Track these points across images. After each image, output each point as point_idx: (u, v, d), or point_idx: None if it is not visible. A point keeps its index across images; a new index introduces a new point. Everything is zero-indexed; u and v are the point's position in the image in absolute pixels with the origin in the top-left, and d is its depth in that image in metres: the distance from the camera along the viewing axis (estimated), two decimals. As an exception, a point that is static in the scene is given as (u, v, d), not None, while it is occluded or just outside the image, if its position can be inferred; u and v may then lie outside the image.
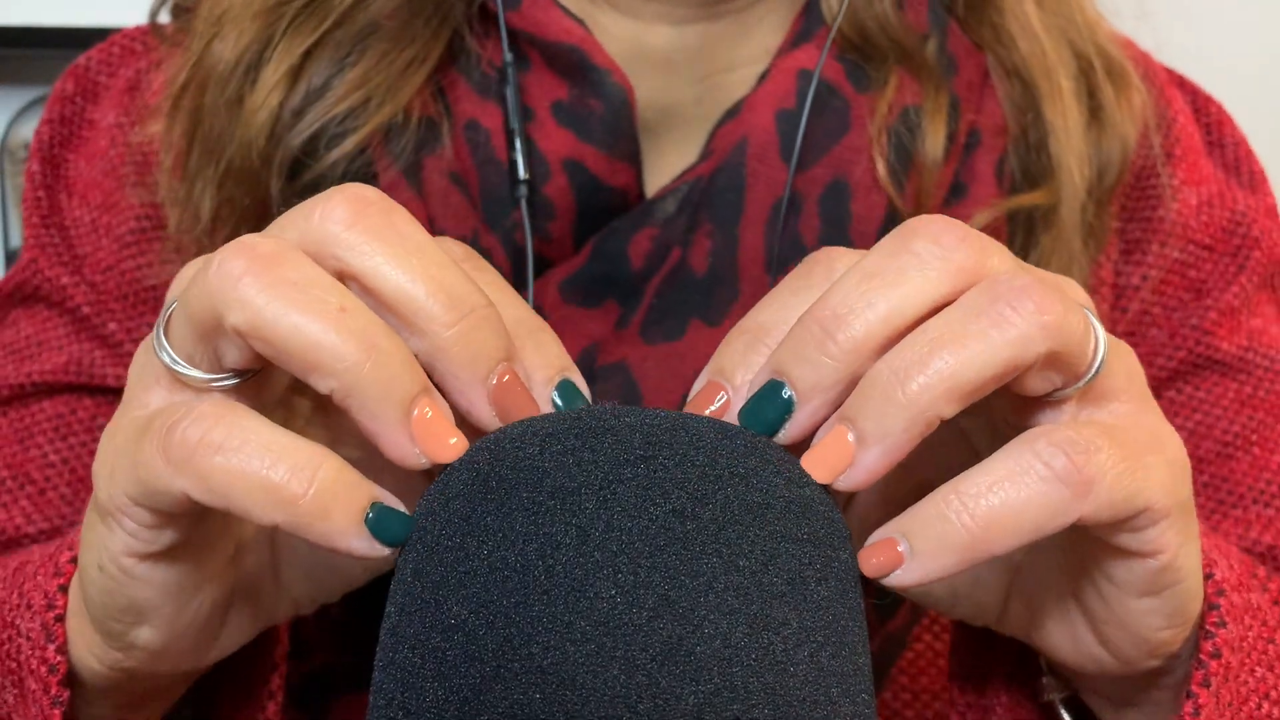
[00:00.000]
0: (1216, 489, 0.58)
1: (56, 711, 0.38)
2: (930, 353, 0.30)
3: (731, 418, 0.33)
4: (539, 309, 0.52)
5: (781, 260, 0.51)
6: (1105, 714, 0.42)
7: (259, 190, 0.51)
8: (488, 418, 0.32)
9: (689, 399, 0.34)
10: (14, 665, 0.40)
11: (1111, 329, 0.57)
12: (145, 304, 0.56)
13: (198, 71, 0.53)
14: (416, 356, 0.32)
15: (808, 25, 0.54)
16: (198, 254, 0.53)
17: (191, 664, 0.39)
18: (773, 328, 0.34)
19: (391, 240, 0.32)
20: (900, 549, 0.31)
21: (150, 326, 0.55)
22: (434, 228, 0.51)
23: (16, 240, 1.40)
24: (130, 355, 0.55)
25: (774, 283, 0.50)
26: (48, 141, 0.58)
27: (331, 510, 0.31)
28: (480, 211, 0.52)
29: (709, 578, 0.28)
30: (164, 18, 0.58)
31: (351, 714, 0.53)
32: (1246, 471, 0.58)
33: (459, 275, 0.32)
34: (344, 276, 0.32)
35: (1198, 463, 0.57)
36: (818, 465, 0.31)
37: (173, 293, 0.35)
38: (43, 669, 0.38)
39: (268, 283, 0.30)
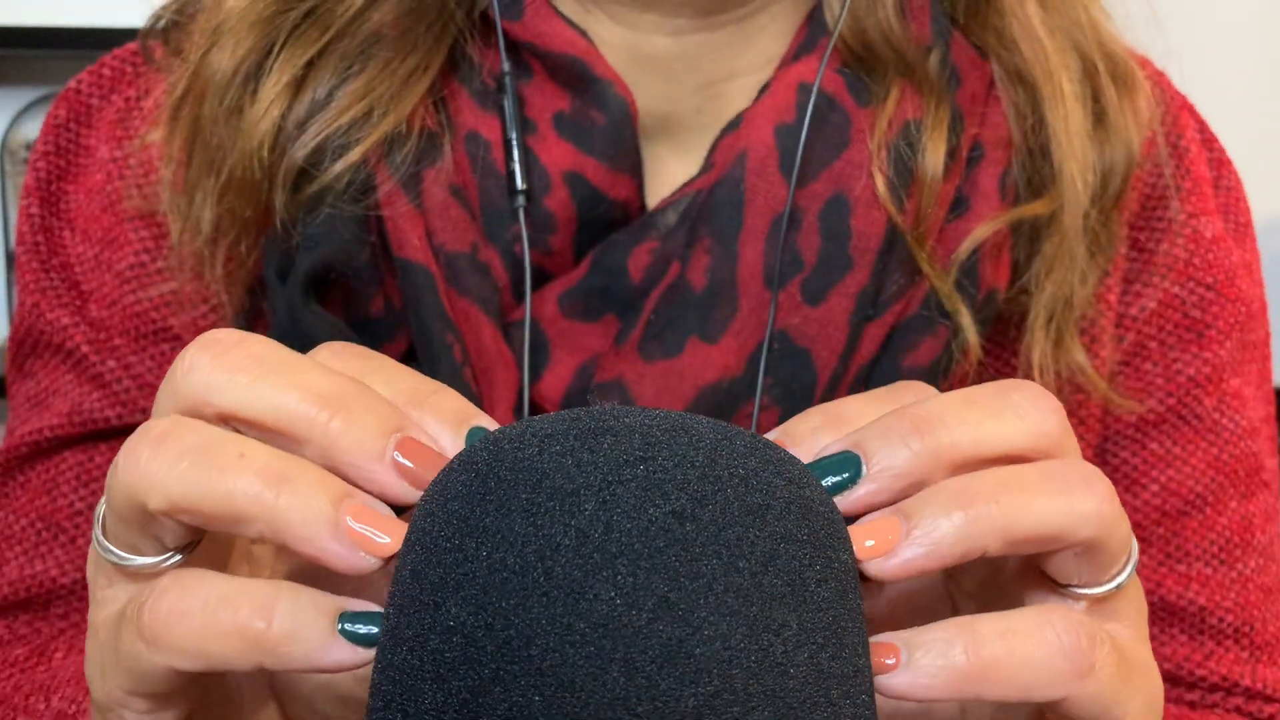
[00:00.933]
0: (1167, 542, 0.59)
1: None
2: (1001, 489, 0.31)
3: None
4: (537, 323, 0.52)
5: (781, 276, 0.51)
6: None
7: (260, 201, 0.51)
8: (401, 491, 0.32)
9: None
10: None
11: (1110, 357, 0.58)
12: (146, 338, 0.56)
13: (195, 82, 0.53)
14: (316, 461, 0.32)
15: (811, 35, 0.54)
16: (197, 268, 0.54)
17: None
18: (851, 421, 0.34)
19: (251, 369, 0.32)
20: (900, 657, 0.32)
21: (153, 359, 0.56)
22: (433, 240, 0.51)
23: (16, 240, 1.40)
24: (127, 394, 0.56)
25: (774, 299, 0.51)
26: (45, 177, 0.58)
27: (298, 633, 0.31)
28: (480, 224, 0.52)
29: (709, 579, 0.28)
30: (161, 27, 0.58)
31: None
32: (1196, 530, 0.59)
33: (321, 374, 0.32)
34: (226, 420, 0.32)
35: (1161, 516, 0.59)
36: (863, 536, 0.32)
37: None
38: None
39: (169, 459, 0.31)
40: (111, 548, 0.33)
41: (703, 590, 0.28)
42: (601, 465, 0.29)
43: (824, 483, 0.32)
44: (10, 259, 1.39)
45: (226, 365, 0.32)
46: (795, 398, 0.51)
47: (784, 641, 0.28)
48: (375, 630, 0.31)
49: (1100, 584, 0.33)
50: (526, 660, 0.28)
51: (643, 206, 0.53)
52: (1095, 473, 0.32)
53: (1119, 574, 0.33)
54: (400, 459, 0.32)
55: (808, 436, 0.34)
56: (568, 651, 0.27)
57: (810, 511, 0.31)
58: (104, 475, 0.56)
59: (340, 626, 0.31)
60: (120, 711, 0.33)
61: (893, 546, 0.31)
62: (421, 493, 0.32)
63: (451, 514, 0.30)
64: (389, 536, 0.31)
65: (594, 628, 0.28)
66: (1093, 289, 0.55)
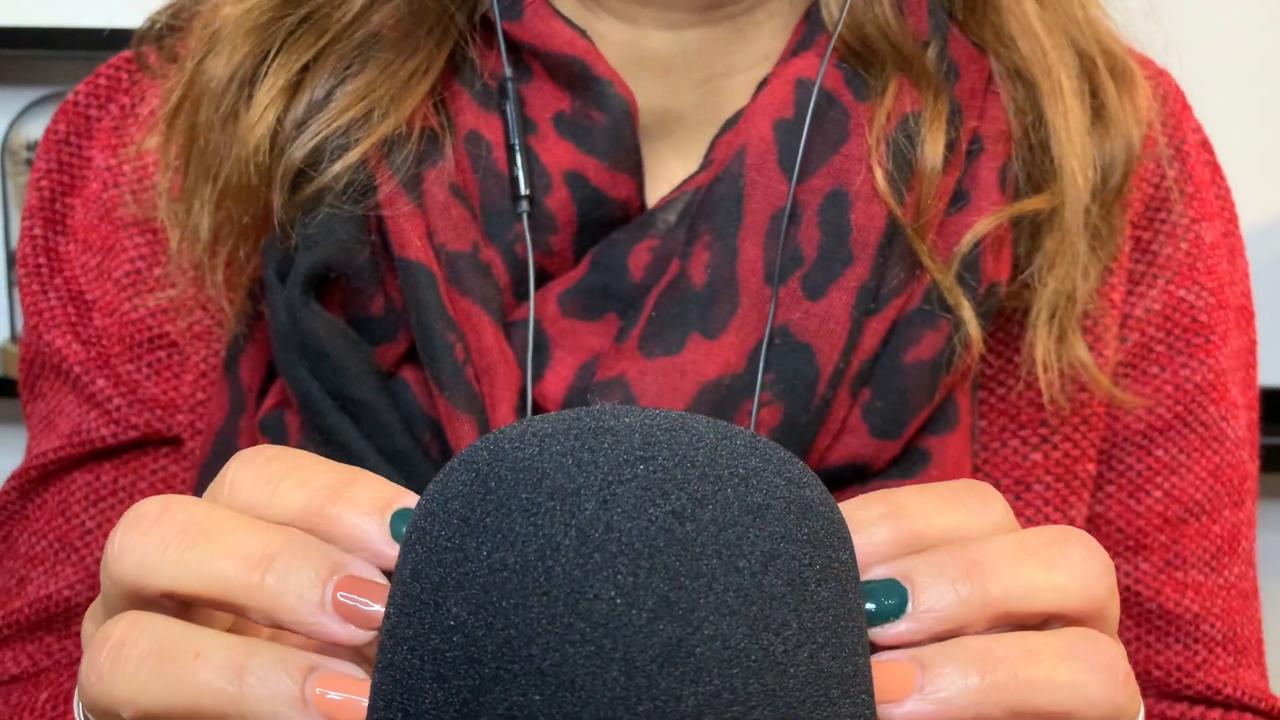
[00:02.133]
0: (1167, 549, 0.59)
1: None
2: (1025, 661, 0.31)
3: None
4: (538, 322, 0.52)
5: (782, 271, 0.51)
6: None
7: (257, 206, 0.51)
8: (348, 635, 0.32)
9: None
10: None
11: (1113, 356, 0.58)
12: (141, 346, 0.57)
13: (191, 89, 0.53)
14: (264, 626, 0.32)
15: (809, 32, 0.54)
16: (197, 276, 0.54)
17: None
18: (914, 515, 0.33)
19: (178, 542, 0.31)
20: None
21: (149, 367, 0.56)
22: (434, 240, 0.51)
23: (16, 241, 1.40)
24: (118, 411, 0.57)
25: (775, 294, 0.51)
26: (49, 195, 0.58)
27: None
28: (481, 224, 0.52)
29: (709, 579, 0.28)
30: (156, 33, 0.58)
31: None
32: (1194, 537, 0.59)
33: (247, 532, 0.32)
34: (169, 599, 0.32)
35: (1163, 523, 0.59)
36: (877, 677, 0.31)
37: None
38: None
39: (129, 670, 0.31)
40: None
41: (703, 590, 0.28)
42: (602, 465, 0.29)
43: (867, 606, 0.32)
44: (10, 259, 1.39)
45: (155, 543, 0.32)
46: (797, 393, 0.51)
47: (784, 641, 0.28)
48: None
49: None
50: (527, 660, 0.28)
51: (643, 205, 0.53)
52: (1118, 655, 0.32)
53: None
54: (345, 599, 0.31)
55: (865, 527, 0.33)
56: (568, 651, 0.27)
57: (810, 511, 0.31)
58: (109, 495, 0.58)
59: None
60: None
61: (904, 696, 0.31)
62: (370, 634, 0.31)
63: (452, 513, 0.30)
64: (360, 700, 0.31)
65: (594, 627, 0.28)
66: (1095, 285, 0.55)
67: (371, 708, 0.30)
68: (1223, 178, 0.62)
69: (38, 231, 0.58)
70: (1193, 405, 0.58)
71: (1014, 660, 0.31)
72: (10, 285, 1.45)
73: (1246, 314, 0.62)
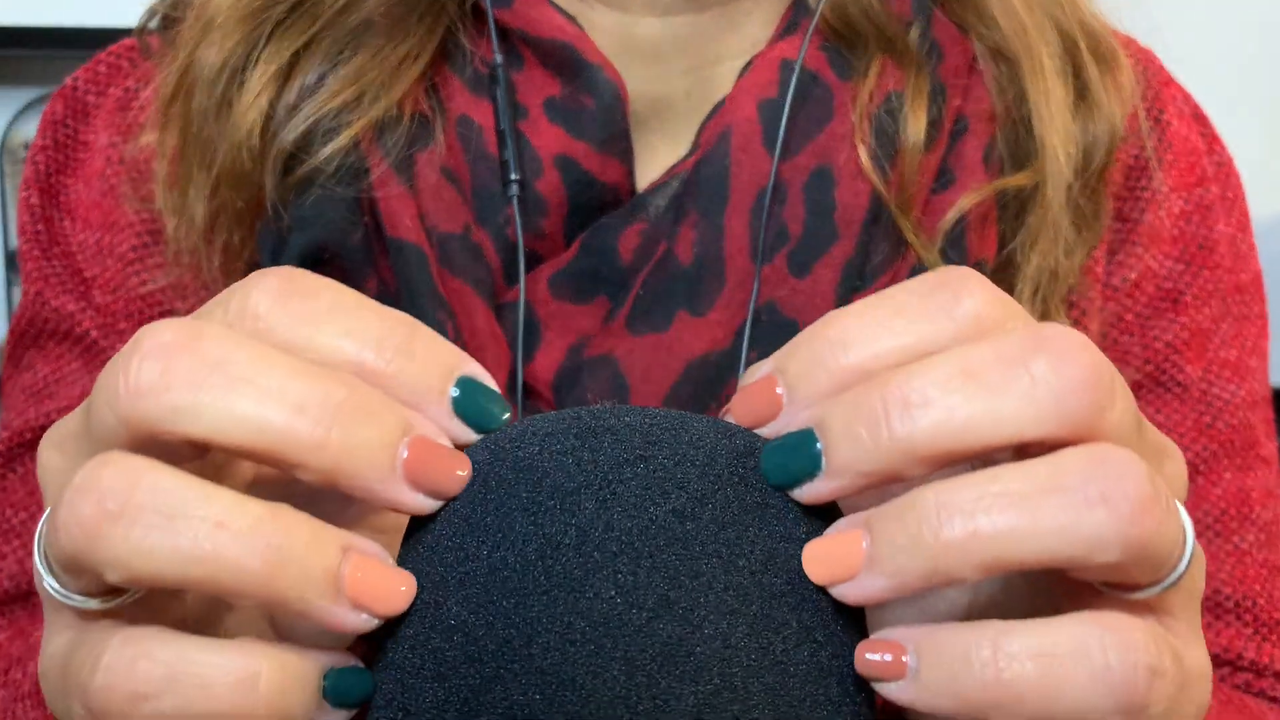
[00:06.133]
0: None
1: None
2: (988, 508, 0.26)
3: (778, 426, 0.30)
4: (529, 304, 0.52)
5: (767, 249, 0.51)
6: None
7: (252, 191, 0.51)
8: (415, 503, 0.29)
9: (740, 386, 0.31)
10: None
11: (1098, 330, 0.58)
12: (152, 320, 0.56)
13: (185, 79, 0.53)
14: (316, 484, 0.28)
15: (795, 16, 0.55)
16: (194, 262, 0.54)
17: None
18: (855, 342, 0.29)
19: (213, 383, 0.27)
20: (905, 660, 0.28)
21: None
22: (425, 221, 0.51)
23: (15, 240, 1.40)
24: None
25: (758, 270, 0.51)
26: (44, 170, 0.58)
27: (288, 710, 0.28)
28: (472, 207, 0.52)
29: (709, 578, 0.28)
30: (154, 24, 0.58)
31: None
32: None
33: (299, 378, 0.28)
34: (195, 448, 0.28)
35: None
36: (817, 563, 0.29)
37: (44, 495, 0.31)
38: None
39: (127, 529, 0.27)
40: (54, 584, 0.29)
41: (703, 588, 0.28)
42: (601, 464, 0.29)
43: (787, 472, 0.29)
44: (10, 259, 1.39)
45: (185, 380, 0.27)
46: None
47: (784, 640, 0.28)
48: (361, 690, 0.30)
49: (1141, 589, 0.28)
50: (527, 659, 0.28)
51: (633, 190, 0.53)
52: (1128, 472, 0.26)
53: (1169, 576, 0.28)
54: (409, 469, 0.29)
55: (805, 375, 0.29)
56: (568, 650, 0.28)
57: (810, 510, 0.31)
58: None
59: (324, 688, 0.29)
60: None
61: (854, 571, 0.28)
62: (436, 505, 0.30)
63: (452, 513, 0.30)
64: (390, 600, 0.29)
65: (594, 626, 0.28)
66: (1079, 262, 0.55)
67: (372, 706, 0.30)
68: (1221, 147, 0.62)
69: (35, 201, 0.58)
70: (1164, 364, 0.58)
71: (973, 510, 0.26)
72: (10, 286, 1.45)
73: (1253, 278, 0.61)
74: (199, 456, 0.29)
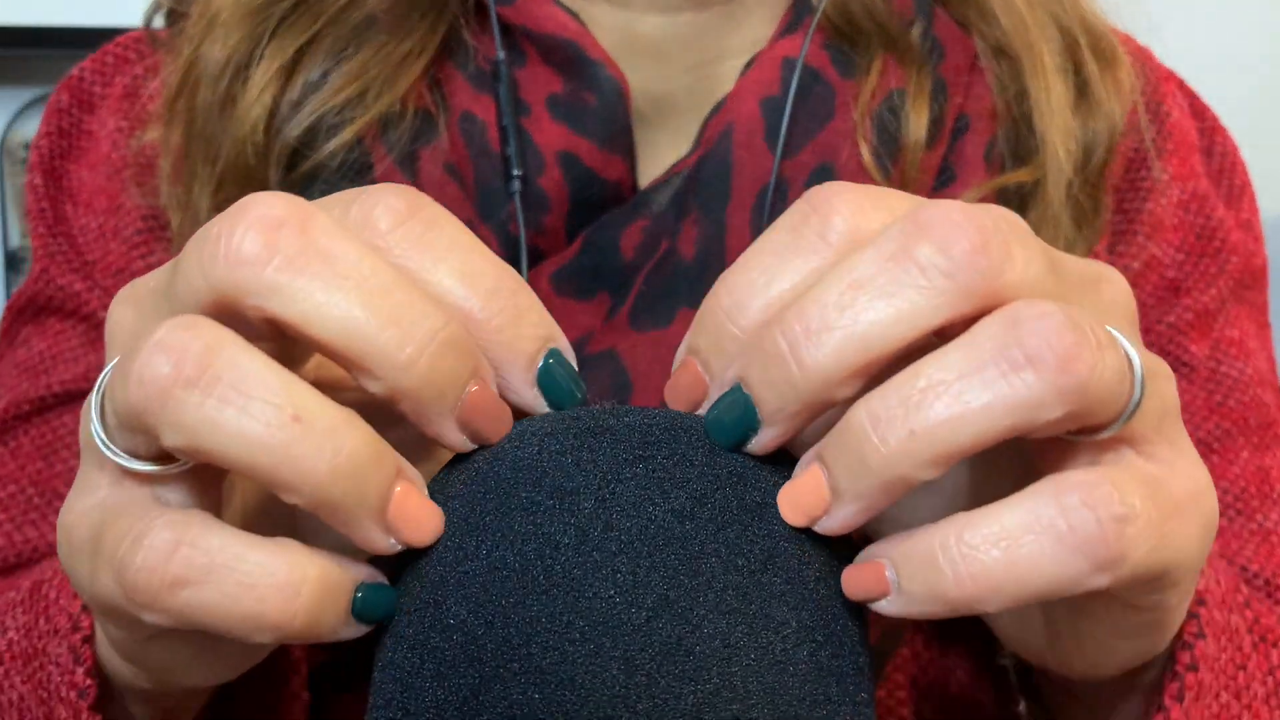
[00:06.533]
0: None
1: None
2: (920, 404, 0.26)
3: (709, 403, 0.31)
4: None
5: None
6: (1048, 697, 0.42)
7: (256, 187, 0.51)
8: (459, 442, 0.30)
9: (670, 382, 0.32)
10: (44, 694, 0.38)
11: None
12: None
13: (190, 74, 0.53)
14: (377, 395, 0.28)
15: (797, 15, 0.55)
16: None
17: (220, 680, 0.37)
18: (748, 302, 0.29)
19: (317, 270, 0.27)
20: (888, 576, 0.28)
21: None
22: None
23: (15, 240, 1.40)
24: None
25: None
26: (48, 154, 0.58)
27: (321, 622, 0.28)
28: (475, 203, 0.52)
29: (708, 577, 0.28)
30: (158, 22, 0.58)
31: (350, 713, 0.53)
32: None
33: (405, 293, 0.28)
34: (275, 327, 0.28)
35: None
36: (791, 508, 0.29)
37: (109, 348, 0.31)
38: (72, 694, 0.36)
39: (201, 397, 0.26)
40: (108, 442, 0.29)
41: (702, 588, 0.28)
42: (601, 464, 0.29)
43: (731, 433, 0.29)
44: (10, 259, 1.39)
45: (291, 262, 0.27)
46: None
47: (783, 639, 0.28)
48: (384, 610, 0.30)
49: (1103, 430, 0.28)
50: (527, 658, 0.28)
51: (635, 187, 0.53)
52: (1044, 326, 0.26)
53: (1125, 409, 0.28)
54: (466, 412, 0.29)
55: (714, 352, 0.30)
56: (567, 649, 0.28)
57: None
58: None
59: (354, 603, 0.29)
60: (98, 617, 0.30)
61: (825, 504, 0.28)
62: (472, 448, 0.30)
63: (452, 513, 0.30)
64: (426, 530, 0.29)
65: (594, 625, 0.28)
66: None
67: (372, 706, 0.30)
68: (1224, 137, 0.62)
69: (38, 182, 0.58)
70: (1169, 346, 0.57)
71: (904, 413, 0.26)
72: (9, 286, 1.45)
73: (1259, 263, 0.60)
74: (273, 340, 0.29)
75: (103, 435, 0.29)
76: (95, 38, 0.62)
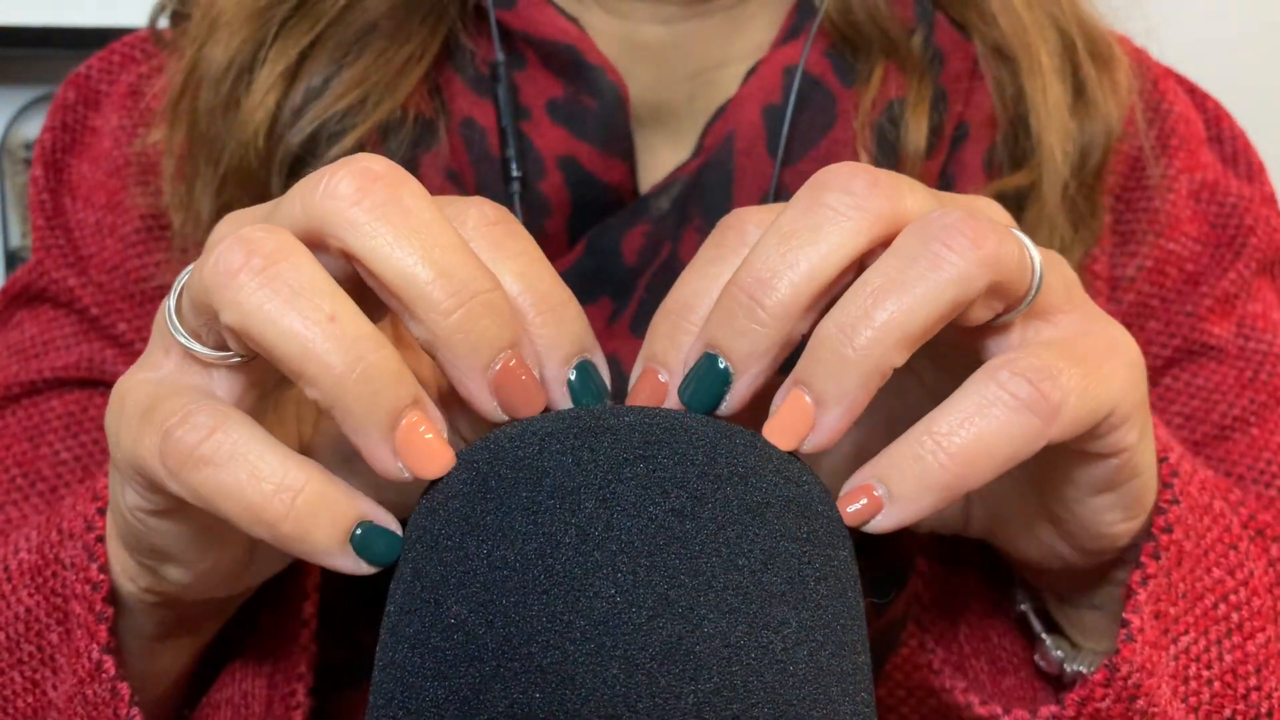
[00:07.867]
0: (1214, 469, 0.57)
1: (103, 627, 0.38)
2: (874, 304, 0.31)
3: (672, 400, 0.33)
4: None
5: None
6: (1068, 618, 0.43)
7: (258, 190, 0.52)
8: (489, 408, 0.32)
9: (629, 391, 0.35)
10: (59, 600, 0.40)
11: None
12: (152, 303, 0.57)
13: (192, 76, 0.53)
14: (419, 342, 0.31)
15: (799, 21, 0.55)
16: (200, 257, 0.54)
17: (225, 593, 0.39)
18: (695, 303, 0.34)
19: (395, 219, 0.31)
20: (878, 493, 0.32)
21: None
22: None
23: (15, 240, 1.40)
24: (141, 354, 0.55)
25: None
26: (50, 147, 0.58)
27: (312, 532, 0.31)
28: None
29: (708, 577, 0.28)
30: (163, 23, 0.58)
31: (350, 712, 0.53)
32: (1244, 452, 0.57)
33: (463, 257, 0.31)
34: (347, 257, 0.31)
35: (1195, 446, 0.57)
36: (780, 433, 0.32)
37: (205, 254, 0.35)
38: (86, 588, 0.38)
39: (260, 284, 0.30)
40: (178, 325, 0.33)
41: (702, 588, 0.28)
42: (601, 463, 0.29)
43: (706, 396, 0.32)
44: (9, 259, 1.39)
45: (372, 205, 0.31)
46: (787, 371, 0.51)
47: (783, 639, 0.29)
48: (388, 552, 0.31)
49: (1021, 300, 0.33)
50: (527, 657, 0.28)
51: (635, 191, 0.54)
52: (950, 221, 0.31)
53: (1032, 282, 0.33)
54: (499, 379, 0.31)
55: (670, 347, 0.34)
56: (568, 648, 0.28)
57: (809, 510, 0.31)
58: (95, 428, 0.55)
59: (354, 534, 0.31)
60: (127, 480, 0.33)
61: (811, 422, 0.31)
62: (502, 418, 0.32)
63: (452, 512, 0.30)
64: (435, 462, 0.31)
65: (594, 625, 0.28)
66: (1076, 260, 0.56)
67: (372, 705, 0.30)
68: (1230, 123, 0.62)
69: (39, 174, 0.58)
70: (1191, 334, 0.57)
71: (866, 311, 0.31)
72: (9, 285, 1.45)
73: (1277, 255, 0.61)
74: (351, 287, 0.32)
75: (175, 317, 0.33)
76: (96, 38, 0.62)
